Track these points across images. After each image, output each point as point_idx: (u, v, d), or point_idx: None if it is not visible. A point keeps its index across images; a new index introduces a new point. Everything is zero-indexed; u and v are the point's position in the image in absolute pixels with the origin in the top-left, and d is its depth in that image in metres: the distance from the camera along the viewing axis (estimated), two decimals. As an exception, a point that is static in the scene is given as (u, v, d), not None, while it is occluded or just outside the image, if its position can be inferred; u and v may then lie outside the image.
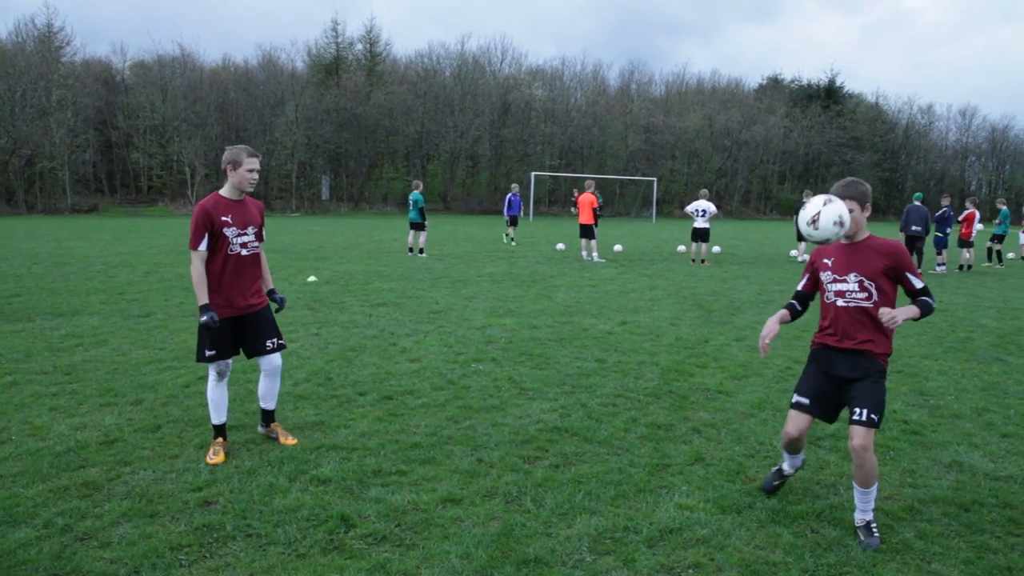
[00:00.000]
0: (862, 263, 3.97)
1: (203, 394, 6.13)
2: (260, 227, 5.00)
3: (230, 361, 4.90)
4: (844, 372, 4.01)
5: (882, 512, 4.17)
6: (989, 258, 20.49)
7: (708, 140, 59.79)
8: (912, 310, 3.86)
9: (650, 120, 59.18)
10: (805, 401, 4.14)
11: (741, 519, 4.06)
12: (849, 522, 4.03)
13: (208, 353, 4.74)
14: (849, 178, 4.08)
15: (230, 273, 4.76)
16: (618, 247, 22.24)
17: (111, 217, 38.72)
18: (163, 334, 8.58)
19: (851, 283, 3.99)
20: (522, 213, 28.05)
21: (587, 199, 18.95)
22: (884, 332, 3.96)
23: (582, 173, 49.12)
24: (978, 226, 19.73)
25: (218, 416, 4.91)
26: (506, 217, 24.63)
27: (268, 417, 5.21)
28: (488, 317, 10.07)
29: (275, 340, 5.04)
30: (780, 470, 4.43)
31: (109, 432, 5.21)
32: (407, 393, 6.33)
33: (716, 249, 22.12)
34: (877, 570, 3.54)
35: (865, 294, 3.95)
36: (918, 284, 3.93)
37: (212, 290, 4.70)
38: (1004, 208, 20.90)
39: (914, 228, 17.27)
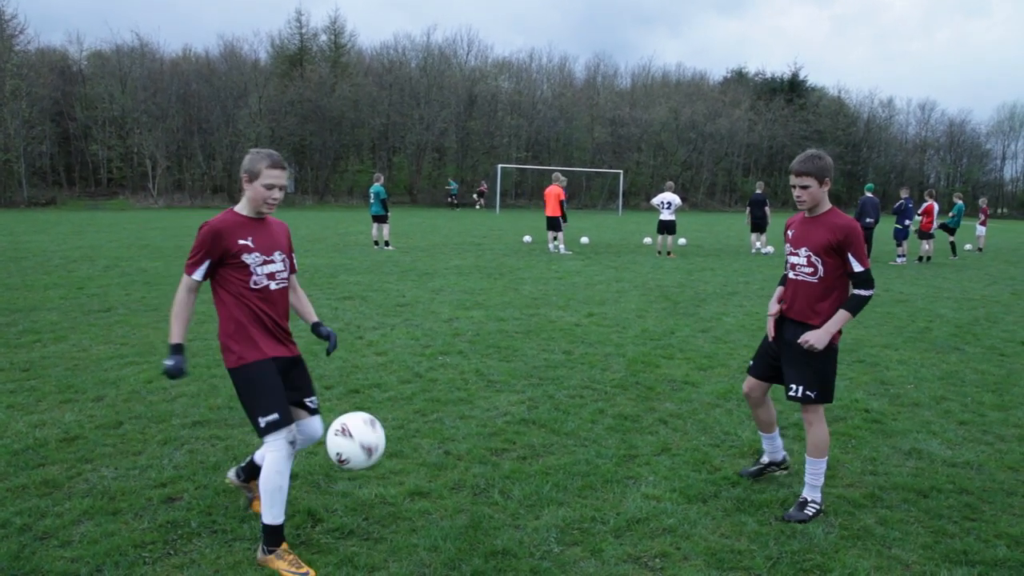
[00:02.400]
0: (813, 237, 3.98)
1: (166, 390, 6.03)
2: (289, 253, 3.85)
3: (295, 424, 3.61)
4: (785, 345, 4.12)
5: (843, 499, 4.26)
6: (953, 252, 21.26)
7: (674, 133, 60.24)
8: (838, 320, 3.89)
9: (616, 113, 59.44)
10: (750, 362, 4.42)
11: (707, 508, 4.12)
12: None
13: (271, 419, 3.45)
14: (810, 151, 4.02)
15: (255, 314, 3.57)
16: (585, 239, 22.33)
17: (70, 210, 37.86)
18: (124, 329, 8.42)
19: (801, 256, 4.04)
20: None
21: (553, 191, 18.99)
22: (830, 309, 3.95)
23: (549, 166, 49.18)
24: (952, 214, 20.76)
25: (282, 509, 3.50)
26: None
27: (254, 472, 3.95)
28: (455, 310, 10.06)
29: (315, 399, 3.88)
30: (759, 460, 4.64)
31: (69, 429, 5.10)
32: (374, 386, 6.30)
33: (682, 241, 22.32)
34: (839, 556, 3.61)
35: (811, 269, 3.99)
36: (857, 268, 3.89)
37: (230, 336, 3.54)
38: (959, 203, 21.57)
39: (868, 220, 17.86)
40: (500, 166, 47.55)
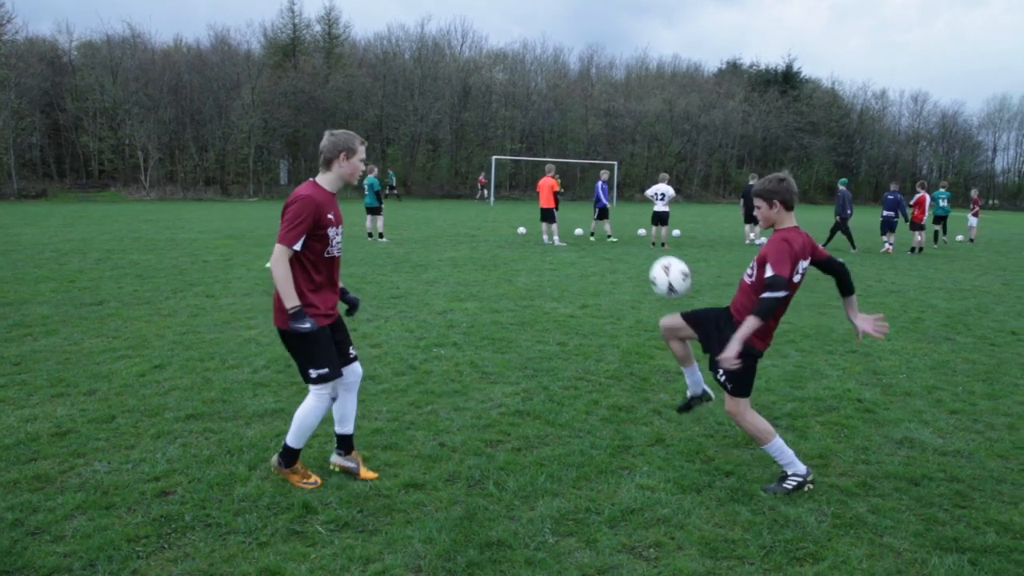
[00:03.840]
0: (763, 249, 4.22)
1: (159, 383, 6.02)
2: None
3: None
4: (720, 328, 4.35)
5: (836, 488, 4.28)
6: (935, 240, 21.60)
7: (668, 124, 60.19)
8: (747, 326, 3.98)
9: (610, 104, 59.36)
10: (689, 311, 4.63)
11: (701, 498, 4.13)
12: (804, 499, 4.13)
13: (322, 372, 4.01)
14: (773, 175, 4.29)
15: (325, 277, 4.08)
16: (579, 231, 22.32)
17: (61, 203, 37.65)
18: (117, 322, 8.39)
19: (753, 263, 4.29)
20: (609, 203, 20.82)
21: (547, 183, 18.97)
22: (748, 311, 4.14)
23: (543, 157, 49.09)
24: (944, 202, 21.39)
25: (305, 440, 4.20)
26: (597, 208, 20.27)
27: (348, 444, 4.39)
28: (449, 302, 10.05)
29: (354, 348, 4.41)
30: (687, 395, 4.98)
31: (61, 423, 5.08)
32: (368, 379, 6.29)
33: (676, 232, 22.34)
34: (832, 544, 3.63)
35: (750, 271, 4.29)
36: (767, 273, 4.02)
37: (303, 296, 3.94)
38: (941, 190, 22.06)
39: (848, 212, 18.93)
40: (494, 158, 47.44)
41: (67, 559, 3.38)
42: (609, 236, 20.41)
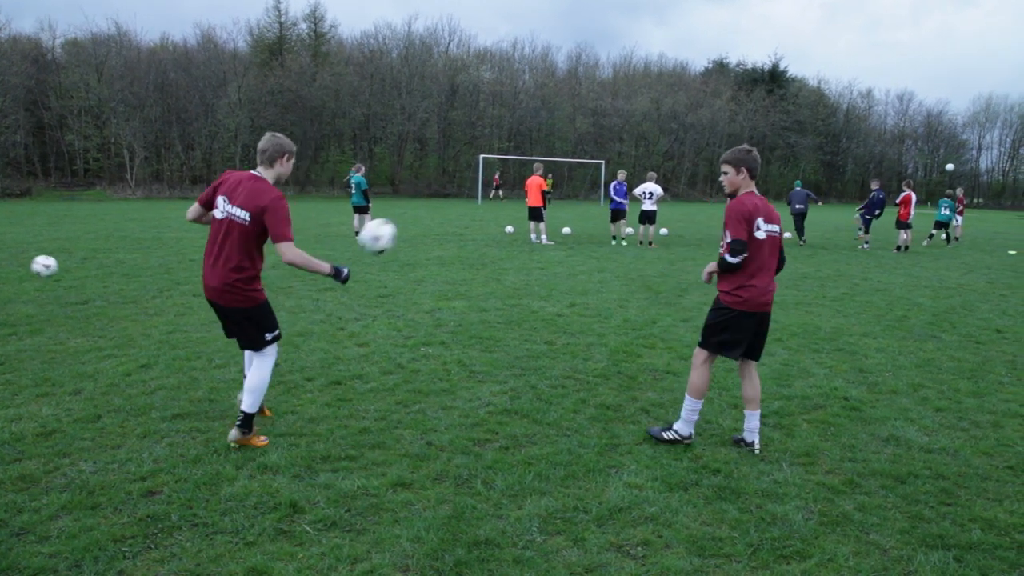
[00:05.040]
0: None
1: (146, 383, 5.98)
2: None
3: None
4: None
5: (823, 486, 4.31)
6: (931, 237, 22.60)
7: (655, 123, 60.34)
8: (712, 264, 4.80)
9: (598, 103, 59.43)
10: None
11: (688, 496, 4.15)
12: (791, 497, 4.15)
13: (275, 333, 4.78)
14: (741, 146, 4.84)
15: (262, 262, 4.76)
16: (567, 230, 22.34)
17: (45, 201, 37.30)
18: (102, 322, 8.32)
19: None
20: (628, 205, 19.56)
21: (535, 182, 18.97)
22: (725, 276, 4.72)
23: (531, 156, 49.10)
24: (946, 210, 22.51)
25: (260, 402, 4.81)
26: (610, 211, 19.54)
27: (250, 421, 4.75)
28: (437, 300, 10.03)
29: None
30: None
31: (46, 423, 5.04)
32: (356, 378, 6.28)
33: (663, 231, 22.40)
34: (819, 542, 3.65)
35: (721, 240, 4.73)
36: (727, 238, 4.58)
37: (256, 280, 4.60)
38: (945, 199, 23.03)
39: (798, 207, 20.58)
40: (482, 156, 47.38)
41: (53, 560, 3.35)
42: (618, 238, 19.44)
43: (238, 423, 4.62)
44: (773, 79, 68.61)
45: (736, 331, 4.69)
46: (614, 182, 19.43)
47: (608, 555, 3.52)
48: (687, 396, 4.84)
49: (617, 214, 19.28)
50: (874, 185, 20.36)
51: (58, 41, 49.21)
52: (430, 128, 54.18)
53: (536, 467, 4.48)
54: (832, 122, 69.75)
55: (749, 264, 4.60)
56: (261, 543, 3.54)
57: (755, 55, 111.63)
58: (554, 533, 3.72)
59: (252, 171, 4.60)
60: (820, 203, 26.13)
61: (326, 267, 4.54)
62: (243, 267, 4.48)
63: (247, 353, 4.96)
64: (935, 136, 75.49)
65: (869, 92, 76.54)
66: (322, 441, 4.82)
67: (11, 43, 45.37)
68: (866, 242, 20.06)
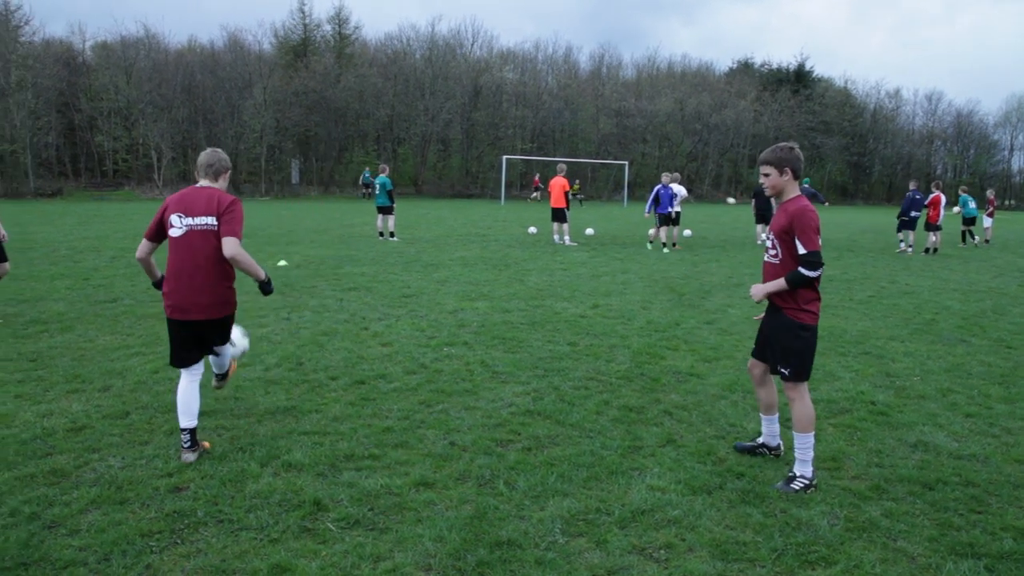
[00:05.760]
0: (775, 222, 4.30)
1: (173, 380, 6.05)
2: None
3: None
4: (766, 326, 4.46)
5: (849, 492, 4.25)
6: (963, 240, 22.00)
7: (679, 124, 60.03)
8: (777, 283, 4.21)
9: (621, 104, 59.23)
10: (753, 346, 4.68)
11: (712, 500, 4.12)
12: (816, 502, 4.11)
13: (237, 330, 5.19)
14: (780, 144, 4.37)
15: None
16: (590, 231, 22.29)
17: (76, 201, 37.91)
18: (130, 320, 8.44)
19: (770, 241, 4.32)
20: (672, 211, 18.31)
21: (558, 183, 18.94)
22: (792, 292, 4.22)
23: (554, 157, 49.05)
24: (958, 208, 21.82)
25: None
26: (656, 216, 18.38)
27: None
28: (460, 301, 10.06)
29: None
30: (755, 439, 4.88)
31: (76, 419, 5.13)
32: (379, 377, 6.31)
33: (687, 233, 22.28)
34: (844, 548, 3.61)
35: (774, 251, 4.30)
36: (801, 250, 4.10)
37: (231, 280, 4.64)
38: (964, 195, 22.08)
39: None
40: (505, 157, 47.44)
41: (82, 552, 3.41)
42: (662, 244, 18.31)
43: (218, 379, 5.19)
44: (799, 79, 67.96)
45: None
46: (659, 186, 18.33)
47: (631, 558, 3.50)
48: (800, 434, 4.29)
49: (666, 219, 18.15)
50: (911, 185, 19.53)
51: (88, 44, 50.02)
52: (453, 129, 54.36)
53: (559, 468, 4.47)
54: (859, 123, 68.89)
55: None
56: (285, 540, 3.57)
57: (782, 55, 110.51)
58: (576, 535, 3.71)
59: (196, 185, 4.65)
60: (827, 204, 25.55)
61: (263, 273, 4.61)
62: (228, 273, 4.56)
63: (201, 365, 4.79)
64: (965, 136, 74.26)
65: (897, 92, 75.52)
66: (346, 440, 4.85)
67: (44, 47, 46.21)
68: (909, 246, 19.02)
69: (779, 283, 4.18)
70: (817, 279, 4.17)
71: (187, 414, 4.50)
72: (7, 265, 8.56)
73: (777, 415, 4.74)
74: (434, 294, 10.62)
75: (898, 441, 5.09)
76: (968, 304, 10.95)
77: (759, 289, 4.30)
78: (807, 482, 4.24)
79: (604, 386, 6.23)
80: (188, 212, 4.47)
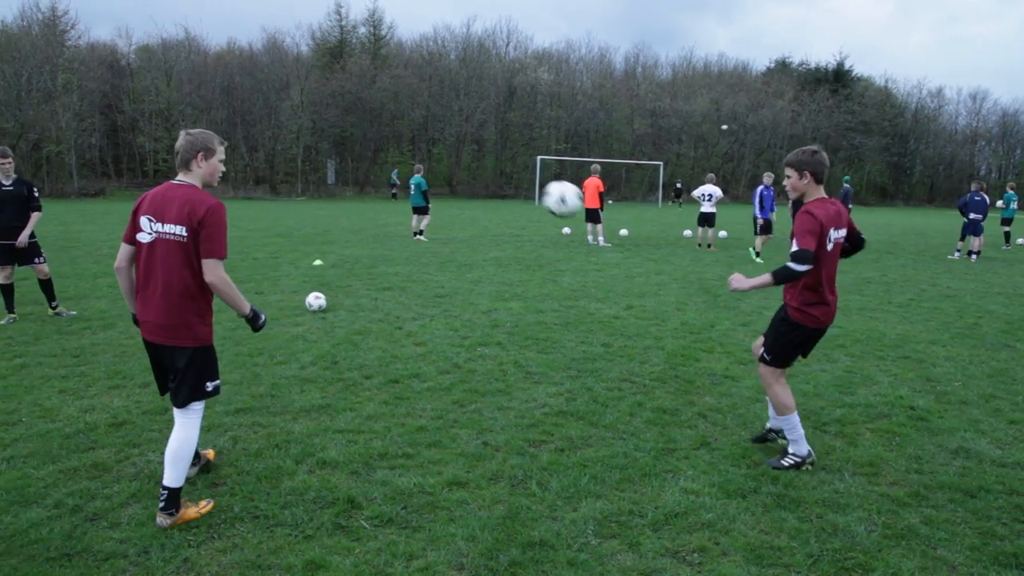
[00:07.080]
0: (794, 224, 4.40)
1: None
2: None
3: None
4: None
5: (887, 498, 4.18)
6: (1007, 242, 21.41)
7: (715, 124, 59.41)
8: (762, 278, 4.30)
9: (656, 104, 58.79)
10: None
11: (746, 503, 4.07)
12: (854, 508, 4.04)
13: (217, 383, 3.96)
14: (806, 147, 4.48)
15: None
16: (624, 231, 22.19)
17: (118, 201, 38.72)
18: (170, 317, 8.59)
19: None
20: (773, 215, 17.34)
21: (592, 183, 18.89)
22: (792, 286, 4.45)
23: (588, 157, 48.88)
24: (1002, 204, 21.27)
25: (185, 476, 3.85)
26: (759, 220, 17.03)
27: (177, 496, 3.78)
28: (494, 301, 10.07)
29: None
30: (765, 426, 5.08)
31: (118, 414, 5.24)
32: (413, 377, 6.35)
33: (722, 234, 22.07)
34: (882, 555, 3.55)
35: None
36: (793, 247, 4.22)
37: (208, 314, 3.90)
38: (1010, 192, 21.17)
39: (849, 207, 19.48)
40: (539, 158, 47.39)
41: (123, 545, 3.48)
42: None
43: (161, 506, 3.68)
44: (838, 79, 66.79)
45: (808, 346, 4.63)
46: (760, 187, 17.25)
47: (663, 560, 3.48)
48: (781, 418, 4.56)
49: (765, 226, 16.95)
50: (973, 186, 18.61)
51: (132, 47, 51.09)
52: (488, 129, 54.47)
53: (592, 469, 4.46)
54: (899, 122, 67.50)
55: (820, 277, 4.35)
56: (319, 537, 3.61)
57: (820, 53, 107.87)
58: (609, 536, 3.69)
59: (172, 180, 3.90)
60: (850, 207, 23.86)
61: (246, 307, 3.91)
62: (192, 294, 3.74)
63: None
64: (1011, 136, 72.31)
65: (939, 91, 73.67)
66: (379, 438, 4.89)
67: (89, 50, 47.31)
68: (968, 252, 17.93)
69: (765, 278, 4.29)
70: (824, 275, 4.35)
71: (171, 463, 3.73)
72: (45, 267, 8.69)
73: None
74: (468, 294, 10.65)
75: (938, 447, 4.99)
76: (1012, 308, 10.68)
77: (743, 281, 4.37)
78: (798, 459, 4.48)
79: (638, 388, 6.19)
80: (158, 216, 3.72)
